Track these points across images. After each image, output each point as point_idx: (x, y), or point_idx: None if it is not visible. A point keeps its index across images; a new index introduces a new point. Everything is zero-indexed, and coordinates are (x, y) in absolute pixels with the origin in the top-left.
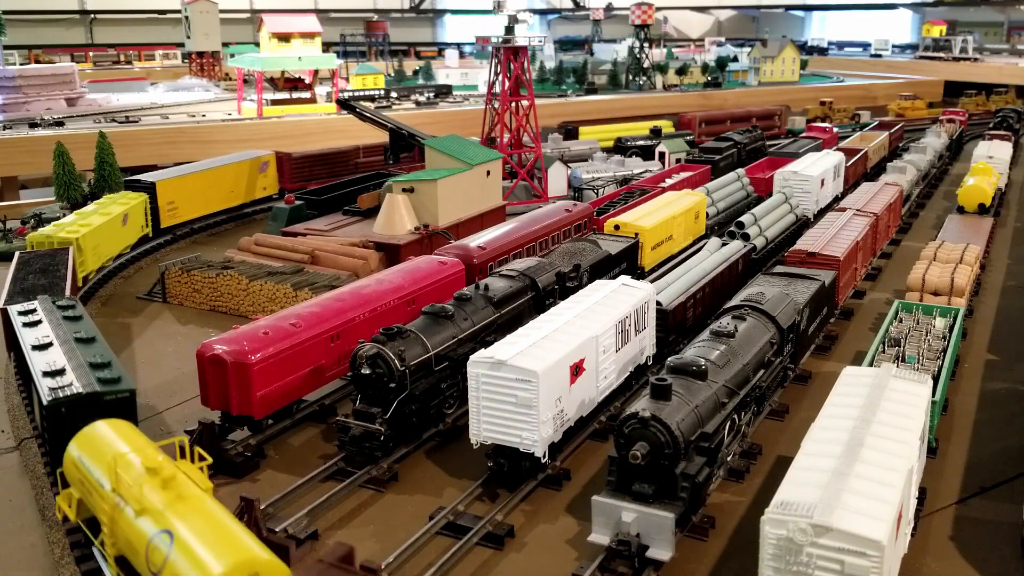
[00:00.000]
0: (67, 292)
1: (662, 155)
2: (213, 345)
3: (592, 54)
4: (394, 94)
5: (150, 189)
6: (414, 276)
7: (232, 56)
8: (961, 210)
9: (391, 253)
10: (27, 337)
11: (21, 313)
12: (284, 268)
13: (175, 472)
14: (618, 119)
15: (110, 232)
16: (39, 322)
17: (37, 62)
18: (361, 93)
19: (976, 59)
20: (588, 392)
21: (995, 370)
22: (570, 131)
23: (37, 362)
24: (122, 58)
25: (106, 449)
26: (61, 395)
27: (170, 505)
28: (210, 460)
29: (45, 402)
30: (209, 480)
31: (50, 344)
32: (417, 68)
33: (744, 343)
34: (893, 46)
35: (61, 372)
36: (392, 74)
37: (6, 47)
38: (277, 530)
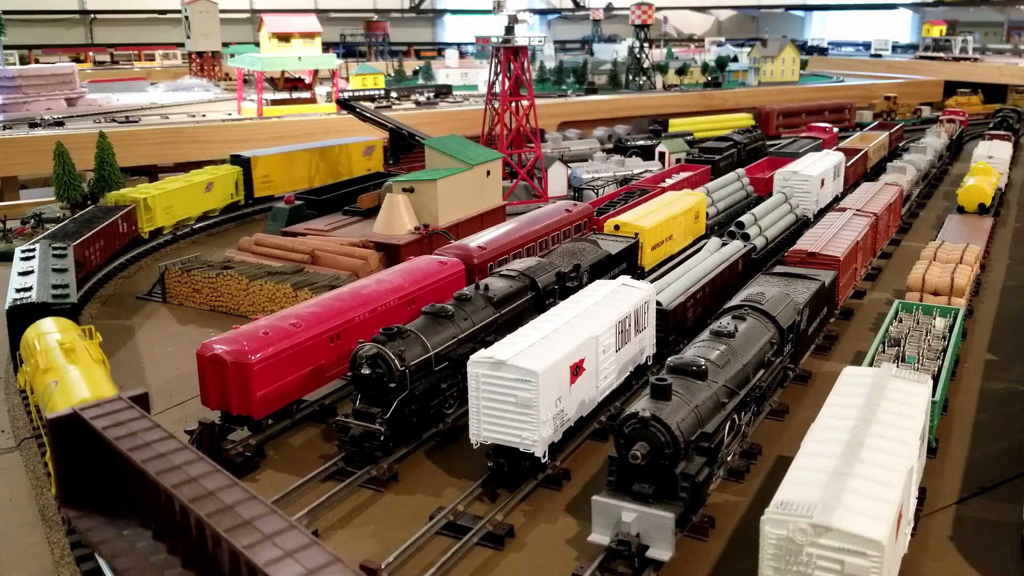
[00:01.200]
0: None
1: (662, 155)
2: (213, 345)
3: (592, 54)
4: (394, 94)
5: (245, 163)
6: (414, 276)
7: (232, 56)
8: (961, 210)
9: (391, 253)
10: (16, 266)
11: (23, 250)
12: (284, 268)
13: (77, 346)
14: (618, 119)
15: (187, 197)
16: (32, 257)
17: (36, 62)
18: (361, 93)
19: (976, 59)
20: (588, 392)
21: (995, 370)
22: (659, 123)
23: (14, 282)
24: (111, 57)
25: (41, 333)
26: (19, 303)
27: (66, 365)
28: (100, 339)
29: (7, 307)
30: (102, 353)
31: (31, 272)
32: (417, 68)
33: (744, 343)
34: (893, 46)
35: (28, 289)
36: (392, 74)
37: (6, 47)
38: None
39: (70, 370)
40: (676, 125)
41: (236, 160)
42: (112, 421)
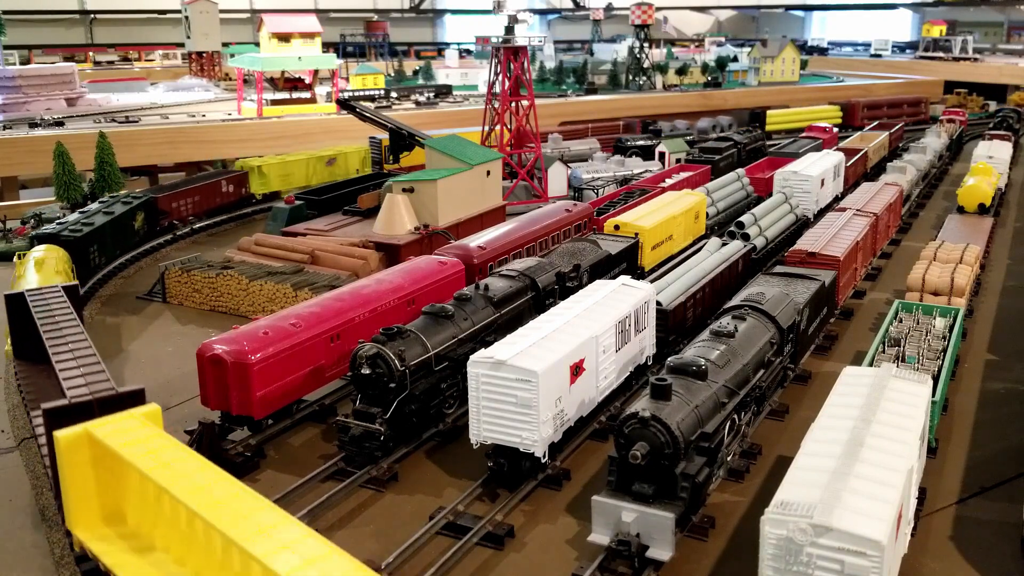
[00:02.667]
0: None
1: (662, 155)
2: (213, 345)
3: (592, 54)
4: (394, 94)
5: (377, 144)
6: (414, 276)
7: (232, 56)
8: (961, 210)
9: (391, 253)
10: (90, 208)
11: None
12: (284, 268)
13: (50, 265)
14: (618, 118)
15: (306, 168)
16: (106, 202)
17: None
18: (361, 93)
19: (976, 59)
20: (588, 392)
21: (995, 370)
22: (757, 115)
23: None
24: (105, 60)
25: (31, 253)
26: (39, 232)
27: (35, 274)
28: (70, 266)
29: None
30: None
31: (85, 212)
32: (417, 68)
33: (744, 343)
34: (893, 46)
35: (60, 223)
36: (392, 74)
37: (6, 47)
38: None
39: (32, 273)
40: (774, 117)
41: (373, 141)
42: (44, 306)
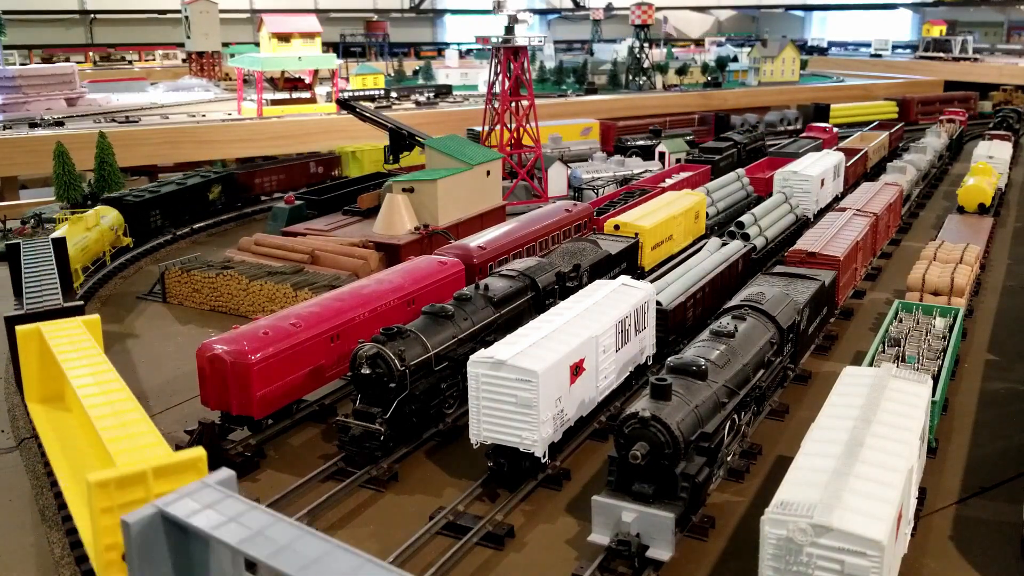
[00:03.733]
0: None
1: (662, 155)
2: (213, 345)
3: (592, 54)
4: (394, 94)
5: (476, 135)
6: (414, 276)
7: (232, 56)
8: (961, 210)
9: (391, 253)
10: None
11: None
12: (284, 268)
13: (105, 223)
14: (619, 118)
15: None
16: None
17: (47, 62)
18: (361, 93)
19: (976, 59)
20: (588, 392)
21: (995, 370)
22: (822, 109)
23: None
24: (100, 59)
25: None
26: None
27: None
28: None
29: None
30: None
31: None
32: (417, 68)
33: (744, 343)
34: (893, 46)
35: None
36: (392, 74)
37: (6, 47)
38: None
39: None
40: (837, 111)
41: (469, 131)
42: (32, 252)
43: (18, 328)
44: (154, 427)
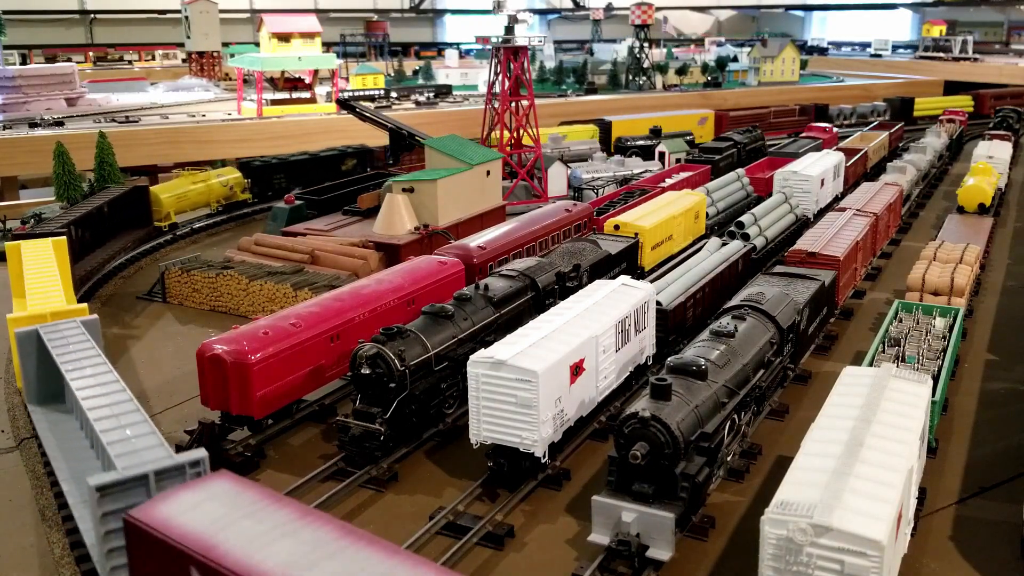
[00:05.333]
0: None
1: (662, 155)
2: (213, 345)
3: (592, 54)
4: (394, 94)
5: (607, 125)
6: (414, 276)
7: (232, 56)
8: (961, 210)
9: (391, 253)
10: None
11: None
12: (284, 268)
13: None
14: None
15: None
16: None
17: (50, 61)
18: (361, 93)
19: (976, 59)
20: (588, 392)
21: (995, 370)
22: (907, 102)
23: None
24: (98, 59)
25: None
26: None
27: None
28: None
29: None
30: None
31: None
32: (417, 68)
33: (744, 343)
34: (893, 46)
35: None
36: (392, 74)
37: (6, 47)
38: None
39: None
40: (921, 103)
41: (598, 121)
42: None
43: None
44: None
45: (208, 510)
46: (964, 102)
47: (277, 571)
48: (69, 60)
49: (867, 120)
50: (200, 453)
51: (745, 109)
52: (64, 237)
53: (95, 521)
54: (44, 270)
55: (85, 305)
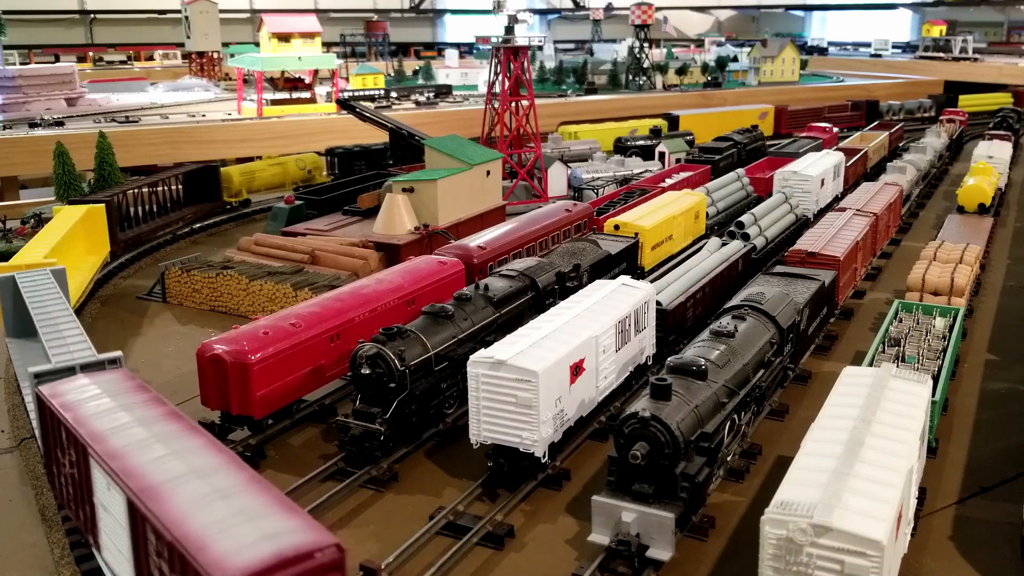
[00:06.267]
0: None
1: (662, 155)
2: (213, 345)
3: (592, 54)
4: (394, 94)
5: (674, 120)
6: (414, 276)
7: (232, 56)
8: (961, 210)
9: (391, 253)
10: None
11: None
12: (284, 268)
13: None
14: (620, 118)
15: (607, 133)
16: None
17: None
18: (361, 93)
19: (976, 59)
20: (588, 392)
21: (995, 370)
22: (950, 99)
23: None
24: (115, 60)
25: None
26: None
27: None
28: None
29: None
30: None
31: None
32: (417, 68)
33: (744, 343)
34: (893, 46)
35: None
36: (392, 74)
37: (6, 47)
38: None
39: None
40: (965, 100)
41: (667, 116)
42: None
43: None
44: None
45: (94, 393)
46: (1005, 99)
47: (111, 437)
48: (57, 59)
49: (914, 115)
50: (116, 353)
51: (801, 104)
52: (103, 205)
53: (34, 399)
54: (58, 230)
55: (55, 259)
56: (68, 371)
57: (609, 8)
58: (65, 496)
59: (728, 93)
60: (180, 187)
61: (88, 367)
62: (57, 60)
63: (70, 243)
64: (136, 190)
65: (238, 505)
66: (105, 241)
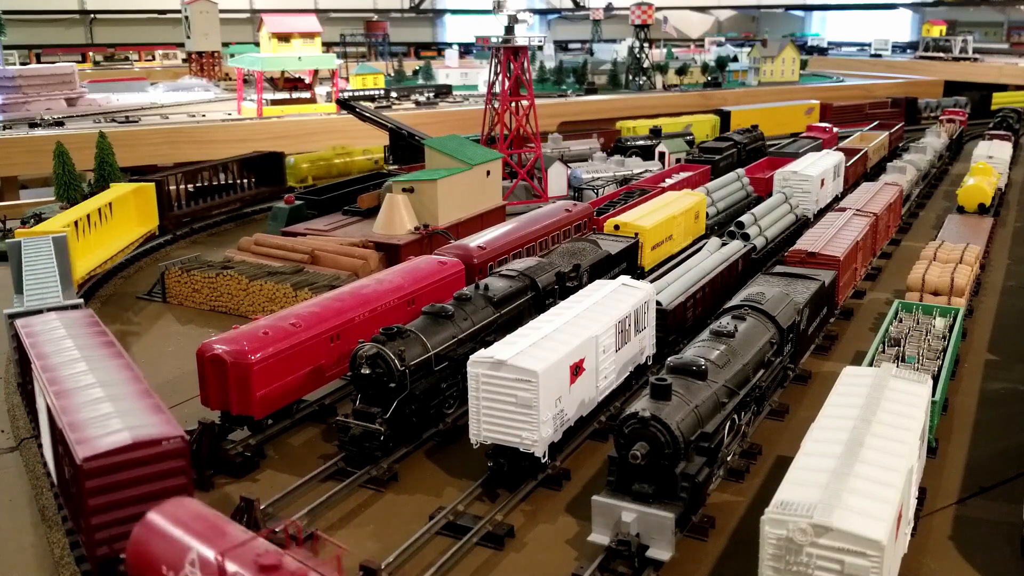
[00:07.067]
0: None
1: (662, 155)
2: (213, 345)
3: (592, 54)
4: (394, 94)
5: (725, 115)
6: (414, 276)
7: (232, 56)
8: (961, 210)
9: (391, 253)
10: None
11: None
12: (284, 268)
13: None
14: (621, 118)
15: (668, 127)
16: None
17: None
18: (361, 93)
19: (976, 59)
20: (588, 392)
21: (995, 370)
22: (983, 97)
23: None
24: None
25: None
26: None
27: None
28: None
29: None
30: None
31: None
32: (417, 68)
33: (744, 343)
34: (893, 46)
35: None
36: (392, 74)
37: (6, 47)
38: (277, 530)
39: None
40: (999, 97)
41: (718, 111)
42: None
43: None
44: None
45: (54, 326)
46: None
47: (50, 356)
48: (82, 59)
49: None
50: (78, 300)
51: (845, 101)
52: (153, 184)
53: (7, 335)
54: (90, 206)
55: (62, 230)
56: (37, 312)
57: (609, 8)
58: (29, 411)
59: (728, 93)
60: (238, 172)
61: (55, 310)
62: (64, 59)
63: (120, 212)
64: (195, 173)
65: (121, 407)
66: (154, 216)
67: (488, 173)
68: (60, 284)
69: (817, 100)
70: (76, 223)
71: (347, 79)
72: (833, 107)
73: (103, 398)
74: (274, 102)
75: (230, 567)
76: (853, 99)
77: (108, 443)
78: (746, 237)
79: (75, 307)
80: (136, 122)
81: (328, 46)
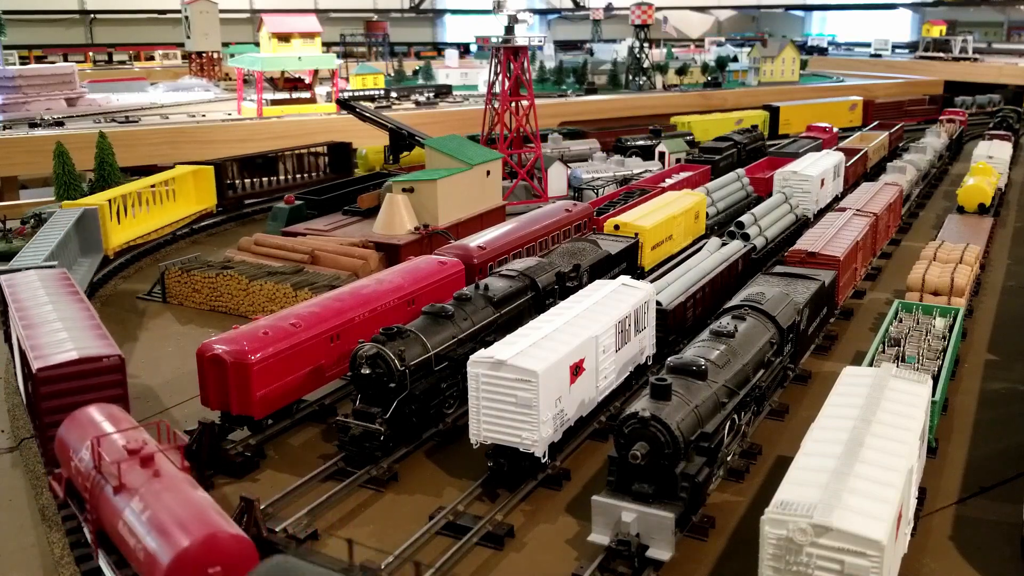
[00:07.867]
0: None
1: (662, 155)
2: (213, 345)
3: (592, 54)
4: (394, 94)
5: (775, 110)
6: (414, 276)
7: (232, 56)
8: (961, 210)
9: (391, 253)
10: None
11: None
12: (284, 268)
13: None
14: (620, 119)
15: (719, 125)
16: None
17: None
18: (361, 93)
19: (976, 59)
20: (588, 392)
21: (995, 370)
22: (1017, 94)
23: None
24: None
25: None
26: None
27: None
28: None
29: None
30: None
31: None
32: (417, 68)
33: (744, 343)
34: (893, 46)
35: None
36: (392, 74)
37: (6, 47)
38: (277, 530)
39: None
40: None
41: (767, 107)
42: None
43: None
44: None
45: (32, 281)
46: None
47: (24, 301)
48: (66, 59)
49: (985, 109)
50: (54, 263)
51: (886, 98)
52: (212, 167)
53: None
54: (140, 185)
55: (95, 200)
56: (20, 271)
57: (609, 8)
58: (11, 352)
59: (728, 93)
60: (295, 162)
61: (35, 268)
62: (66, 59)
63: (180, 189)
64: (254, 160)
65: (74, 335)
66: (212, 196)
67: (488, 173)
68: (53, 248)
69: (860, 97)
70: (125, 197)
71: (347, 79)
72: (875, 103)
73: (61, 329)
74: (274, 102)
75: (103, 450)
76: (892, 96)
77: (59, 358)
78: (746, 237)
79: (51, 267)
80: (136, 122)
81: (328, 46)
